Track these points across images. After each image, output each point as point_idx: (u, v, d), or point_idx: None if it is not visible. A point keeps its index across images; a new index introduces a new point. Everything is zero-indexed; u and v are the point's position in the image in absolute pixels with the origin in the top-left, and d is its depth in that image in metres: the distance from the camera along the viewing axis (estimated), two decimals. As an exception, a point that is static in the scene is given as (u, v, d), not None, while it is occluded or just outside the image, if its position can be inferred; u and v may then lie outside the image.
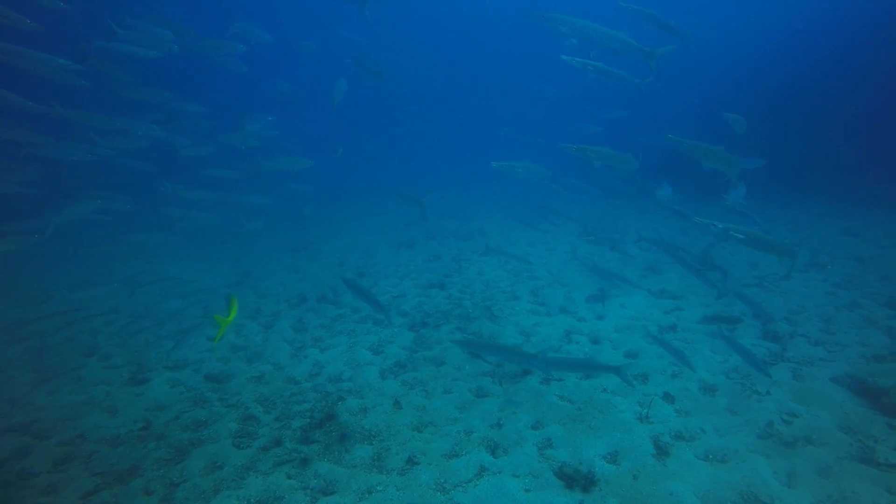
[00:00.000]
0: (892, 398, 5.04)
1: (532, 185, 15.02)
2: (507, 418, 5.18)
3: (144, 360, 6.96)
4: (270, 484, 4.44)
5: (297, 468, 4.64)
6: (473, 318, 7.79)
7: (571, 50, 7.41)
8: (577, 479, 4.27)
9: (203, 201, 12.61)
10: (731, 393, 5.47)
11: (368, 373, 6.27)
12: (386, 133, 31.27)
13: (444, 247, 12.67)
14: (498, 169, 8.31)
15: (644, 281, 9.14)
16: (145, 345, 7.47)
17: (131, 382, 6.34)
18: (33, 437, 5.15)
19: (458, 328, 7.51)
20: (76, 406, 5.70)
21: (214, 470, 4.65)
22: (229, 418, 5.47)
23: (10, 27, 7.73)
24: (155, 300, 9.55)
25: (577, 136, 17.46)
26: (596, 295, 8.29)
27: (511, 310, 8.10)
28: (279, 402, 5.76)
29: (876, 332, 6.65)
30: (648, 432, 4.84)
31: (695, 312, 7.74)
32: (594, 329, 7.29)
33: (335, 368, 6.47)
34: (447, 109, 33.58)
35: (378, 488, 4.35)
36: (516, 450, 4.72)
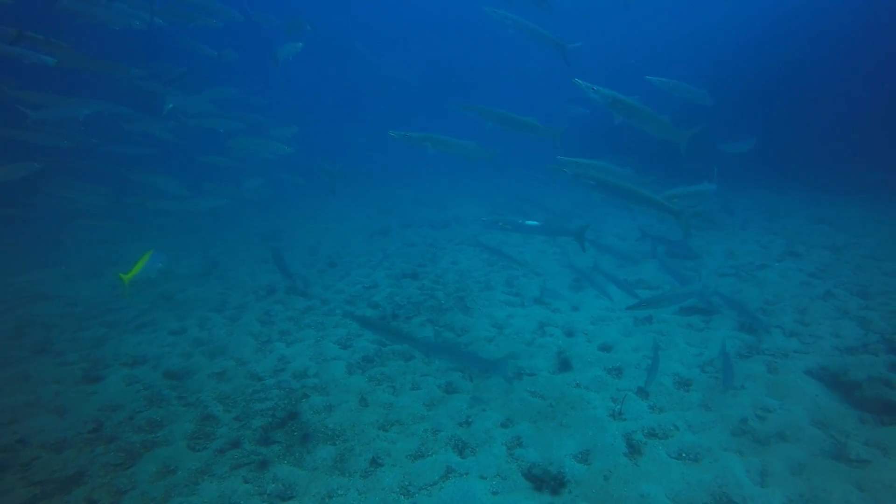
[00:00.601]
0: (863, 391, 4.98)
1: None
2: (477, 416, 4.99)
3: (100, 355, 6.61)
4: (225, 489, 4.19)
5: (254, 471, 4.39)
6: (446, 310, 7.57)
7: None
8: (546, 481, 4.10)
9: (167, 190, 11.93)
10: (706, 387, 5.36)
11: (335, 368, 6.03)
12: (370, 122, 30.69)
13: (419, 236, 12.40)
14: (398, 139, 6.34)
15: (621, 271, 9.02)
16: (101, 339, 7.10)
17: (84, 380, 6.00)
18: (-34, 444, 4.80)
19: (429, 320, 7.29)
20: (19, 407, 5.34)
21: (166, 475, 4.38)
22: (186, 418, 5.19)
23: None
24: (113, 290, 9.13)
25: (564, 118, 17.11)
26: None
27: (485, 300, 7.90)
28: (240, 400, 5.49)
29: (849, 322, 6.61)
30: (621, 430, 4.69)
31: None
32: (569, 321, 7.14)
33: (301, 364, 6.21)
34: (432, 95, 33.05)
35: (339, 492, 4.13)
36: (484, 449, 4.54)
